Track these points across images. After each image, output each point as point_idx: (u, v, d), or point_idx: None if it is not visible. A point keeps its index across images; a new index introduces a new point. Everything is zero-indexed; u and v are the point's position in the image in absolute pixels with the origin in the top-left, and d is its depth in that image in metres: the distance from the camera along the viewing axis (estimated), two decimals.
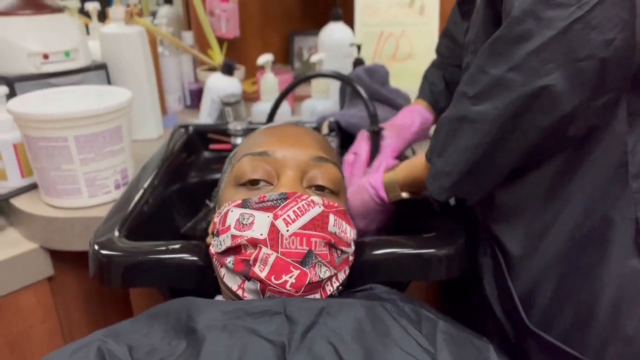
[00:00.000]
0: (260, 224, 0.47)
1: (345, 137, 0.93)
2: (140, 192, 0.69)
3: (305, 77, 0.92)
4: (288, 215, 0.47)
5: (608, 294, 0.48)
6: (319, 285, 0.48)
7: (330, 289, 0.50)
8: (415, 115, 0.81)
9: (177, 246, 0.57)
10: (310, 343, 0.42)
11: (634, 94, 0.47)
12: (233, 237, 0.48)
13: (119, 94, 0.79)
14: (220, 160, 1.01)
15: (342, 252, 0.51)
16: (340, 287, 0.53)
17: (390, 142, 0.77)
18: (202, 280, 0.56)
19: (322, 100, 1.08)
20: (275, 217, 0.47)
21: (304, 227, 0.47)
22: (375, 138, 0.77)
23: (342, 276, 0.52)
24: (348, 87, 1.07)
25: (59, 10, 0.89)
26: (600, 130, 0.48)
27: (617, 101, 0.48)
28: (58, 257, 0.78)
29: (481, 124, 0.48)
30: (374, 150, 0.77)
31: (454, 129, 0.51)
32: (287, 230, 0.47)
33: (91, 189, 0.73)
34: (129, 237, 0.60)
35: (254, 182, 0.52)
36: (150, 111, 1.02)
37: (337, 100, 1.10)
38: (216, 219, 0.52)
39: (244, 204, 0.49)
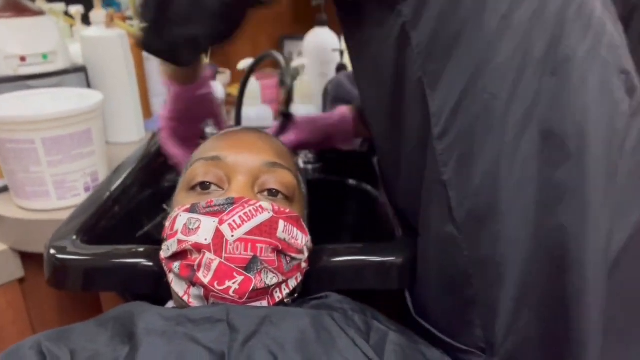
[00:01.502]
0: (205, 229, 0.47)
1: None
2: (107, 194, 0.69)
3: (257, 60, 0.92)
4: (234, 220, 0.47)
5: (433, 262, 0.51)
6: (265, 292, 0.48)
7: (279, 295, 0.49)
8: (337, 112, 0.82)
9: (132, 251, 0.57)
10: (250, 352, 0.42)
11: (427, 59, 0.48)
12: (179, 241, 0.48)
13: (93, 96, 0.79)
14: None
15: (292, 258, 0.50)
16: (294, 295, 0.53)
17: (297, 127, 0.79)
18: (157, 286, 0.56)
19: (305, 105, 1.08)
20: (221, 222, 0.47)
21: (249, 233, 0.47)
22: (284, 121, 0.79)
23: (292, 283, 0.51)
24: (329, 91, 1.07)
25: (39, 13, 0.89)
26: (397, 99, 0.52)
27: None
28: (29, 259, 0.78)
29: None
30: (279, 132, 0.79)
31: None
32: (232, 236, 0.46)
33: (60, 192, 0.73)
34: (90, 241, 0.60)
35: (204, 187, 0.52)
36: (132, 114, 1.02)
37: (320, 105, 1.10)
38: (167, 224, 0.52)
39: (192, 209, 0.49)
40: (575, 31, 0.44)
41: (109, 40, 0.95)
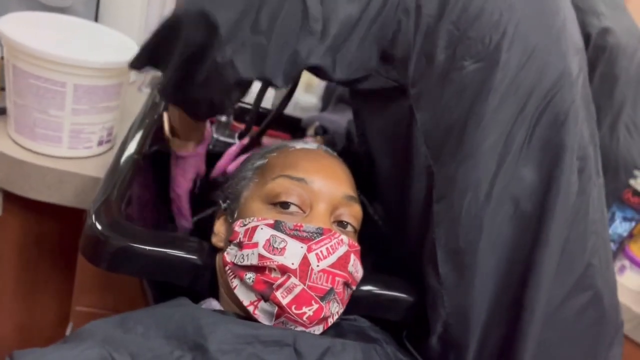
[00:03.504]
0: (292, 253, 0.49)
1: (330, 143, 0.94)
2: (130, 154, 0.66)
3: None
4: (321, 251, 0.49)
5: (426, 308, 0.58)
6: (326, 318, 0.51)
7: (331, 321, 0.53)
8: None
9: (177, 240, 0.56)
10: None
11: (429, 137, 0.56)
12: (261, 256, 0.49)
13: (123, 43, 0.72)
14: None
15: (351, 289, 0.54)
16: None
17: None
18: (197, 280, 0.56)
19: (307, 95, 1.08)
20: (309, 249, 0.49)
21: (332, 265, 0.50)
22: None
23: (341, 310, 0.55)
24: (335, 87, 1.08)
25: None
26: (404, 163, 0.59)
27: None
28: (10, 199, 0.71)
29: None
30: None
31: None
32: (318, 266, 0.49)
33: (73, 141, 0.67)
34: (130, 215, 0.57)
35: (285, 205, 0.53)
36: None
37: (320, 95, 1.10)
38: (238, 229, 0.52)
39: (277, 226, 0.50)
40: None
41: None
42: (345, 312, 0.60)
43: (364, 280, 0.61)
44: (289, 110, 1.08)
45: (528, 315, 0.53)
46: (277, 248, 0.49)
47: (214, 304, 0.55)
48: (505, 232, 0.55)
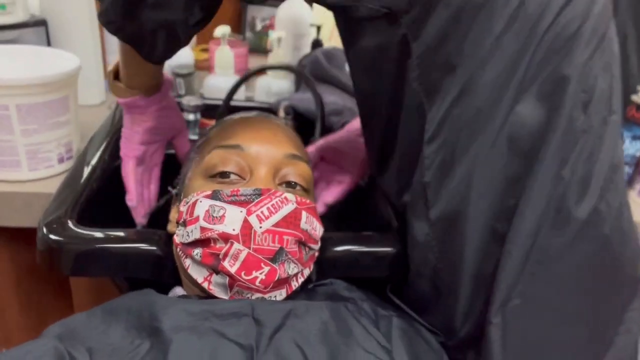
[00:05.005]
0: (232, 219, 0.47)
1: (301, 122, 0.92)
2: (90, 168, 0.66)
3: (258, 69, 0.90)
4: (262, 212, 0.47)
5: (410, 254, 0.54)
6: (286, 281, 0.49)
7: (295, 284, 0.51)
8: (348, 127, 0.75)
9: (133, 234, 0.55)
10: (278, 345, 0.43)
11: (425, 70, 0.49)
12: (202, 229, 0.47)
13: (64, 58, 0.72)
14: None
15: (310, 249, 0.52)
16: (307, 283, 0.54)
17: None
18: (160, 271, 0.55)
19: (278, 80, 1.06)
20: (249, 212, 0.47)
21: (276, 225, 0.47)
22: None
23: (307, 272, 0.53)
24: (306, 69, 1.06)
25: None
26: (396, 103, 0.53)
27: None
28: None
29: None
30: None
31: None
32: (260, 227, 0.46)
33: (32, 162, 0.68)
34: (81, 219, 0.57)
35: (224, 175, 0.51)
36: (94, 75, 0.95)
37: (292, 79, 1.08)
38: (182, 208, 0.51)
39: (214, 196, 0.48)
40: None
41: None
42: (322, 276, 0.57)
43: (340, 241, 0.59)
44: (262, 97, 1.07)
45: (514, 249, 0.47)
46: (216, 217, 0.47)
47: (177, 290, 0.54)
48: (499, 173, 0.47)
